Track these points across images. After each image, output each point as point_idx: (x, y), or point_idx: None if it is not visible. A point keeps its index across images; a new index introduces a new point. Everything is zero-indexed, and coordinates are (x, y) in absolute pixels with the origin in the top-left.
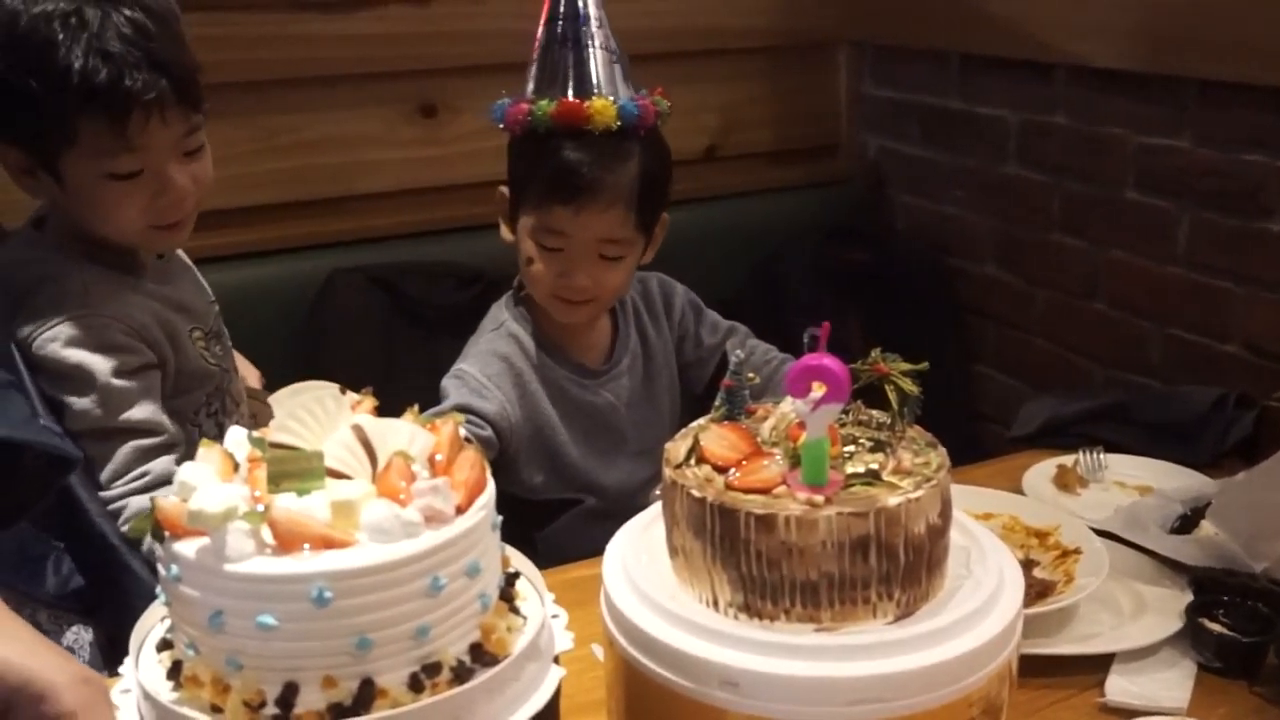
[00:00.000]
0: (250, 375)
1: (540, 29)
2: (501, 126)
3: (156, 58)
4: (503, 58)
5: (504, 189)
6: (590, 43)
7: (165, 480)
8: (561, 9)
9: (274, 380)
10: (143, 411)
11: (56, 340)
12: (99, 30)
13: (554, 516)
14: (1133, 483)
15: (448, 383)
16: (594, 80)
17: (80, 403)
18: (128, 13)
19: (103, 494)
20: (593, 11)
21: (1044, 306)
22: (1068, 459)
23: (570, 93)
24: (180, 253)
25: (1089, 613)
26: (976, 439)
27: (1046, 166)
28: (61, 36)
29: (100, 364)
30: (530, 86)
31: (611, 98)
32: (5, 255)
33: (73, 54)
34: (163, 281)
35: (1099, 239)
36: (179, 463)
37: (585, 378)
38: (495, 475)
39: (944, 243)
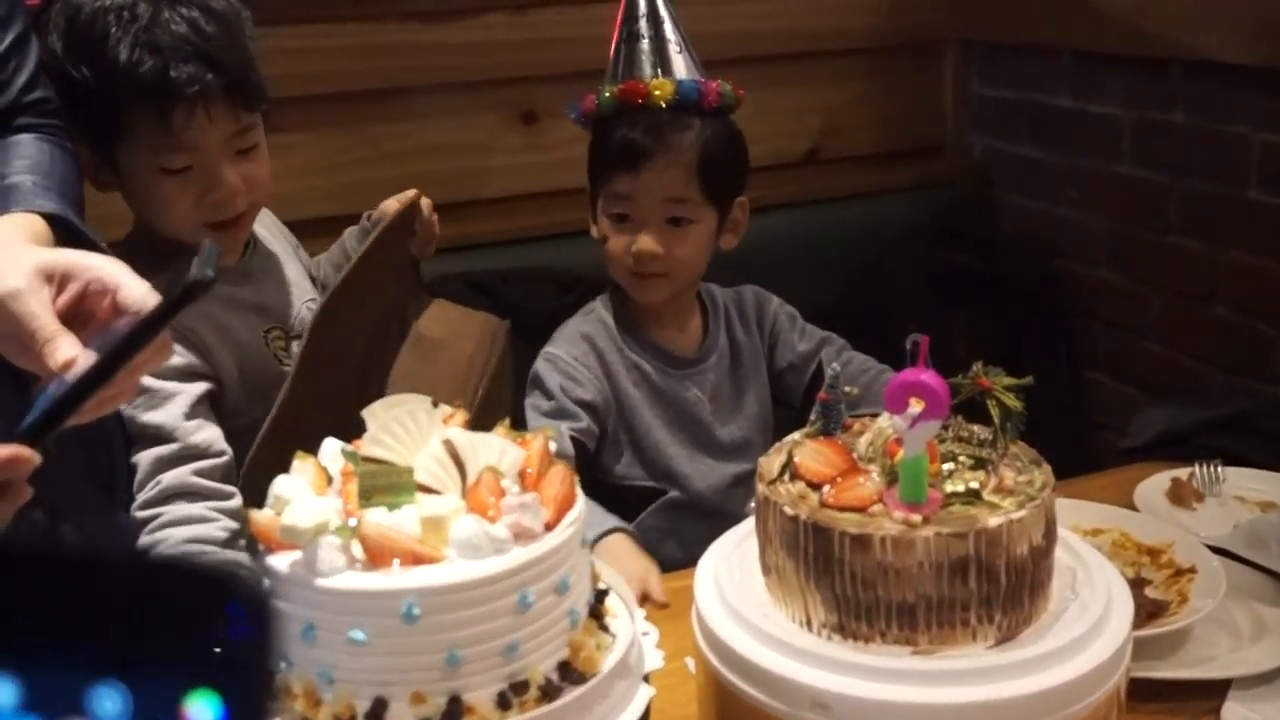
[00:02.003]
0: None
1: (616, 30)
2: (577, 121)
3: (205, 53)
4: (600, 64)
5: (589, 186)
6: (661, 35)
7: (177, 492)
8: (638, 9)
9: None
10: (164, 416)
11: None
12: (148, 24)
13: (639, 507)
14: (1254, 497)
15: (540, 365)
16: (668, 68)
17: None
18: (184, 10)
19: (135, 505)
20: (661, 9)
21: (1160, 311)
22: (1183, 471)
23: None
24: (275, 247)
25: (1205, 635)
26: (1087, 448)
27: (1163, 166)
28: (114, 29)
29: None
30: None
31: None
32: None
33: (121, 45)
34: (237, 283)
35: (1219, 240)
36: (219, 476)
37: (671, 367)
38: None
39: (1054, 245)
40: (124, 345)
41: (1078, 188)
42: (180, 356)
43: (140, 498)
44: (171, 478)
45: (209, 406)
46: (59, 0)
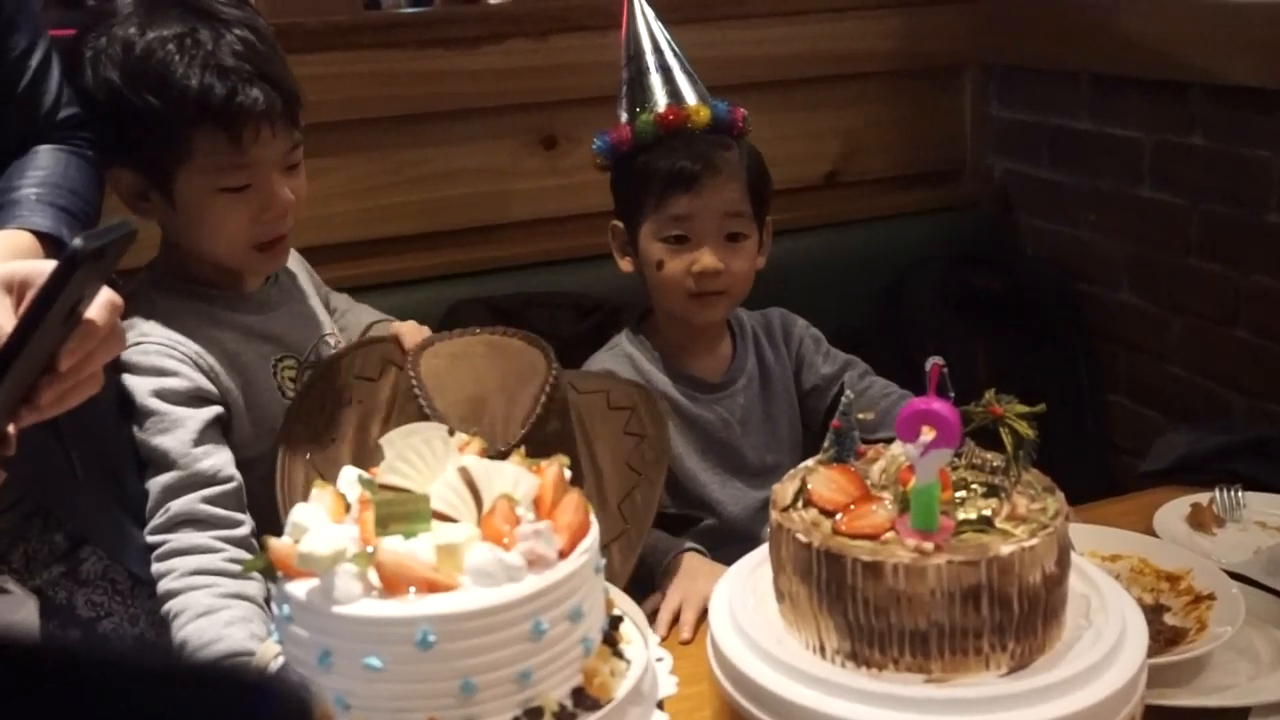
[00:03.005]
0: (406, 333)
1: (623, 69)
2: (600, 161)
3: (266, 73)
4: (618, 89)
5: (616, 222)
6: (671, 65)
7: (185, 520)
8: (643, 45)
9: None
10: (172, 441)
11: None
12: (213, 48)
13: (675, 534)
14: (1275, 523)
15: None
16: (679, 97)
17: (132, 426)
18: (238, 32)
19: (146, 530)
20: (662, 41)
21: (1181, 334)
22: (1203, 496)
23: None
24: (299, 280)
25: (1224, 662)
26: (1108, 471)
27: (1183, 188)
28: (178, 56)
29: (139, 384)
30: (624, 117)
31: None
32: None
33: (190, 71)
34: (256, 311)
35: (1240, 263)
36: (229, 503)
37: (700, 392)
38: None
39: (1075, 267)
40: (25, 318)
41: (1098, 210)
42: (187, 380)
43: (150, 524)
44: (179, 505)
45: (219, 431)
46: (98, 33)
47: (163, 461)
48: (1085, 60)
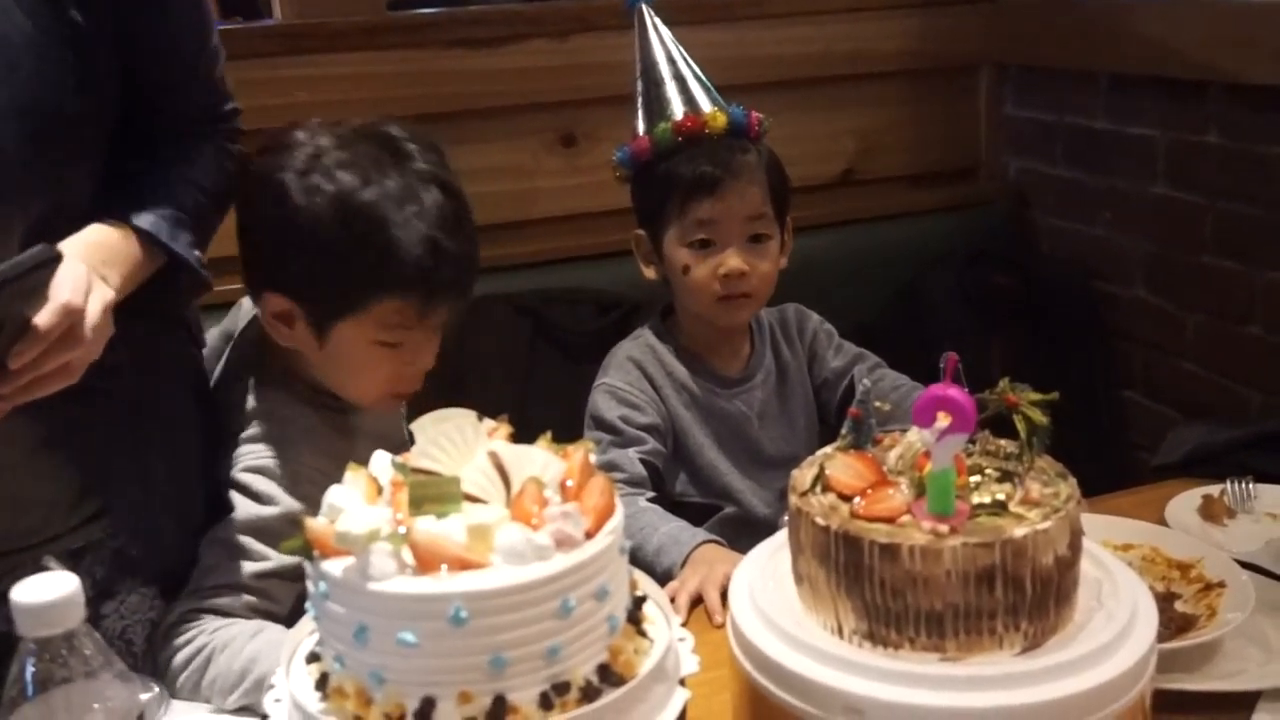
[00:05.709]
0: None
1: (637, 80)
2: (620, 172)
3: (465, 252)
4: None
5: (639, 231)
6: (685, 74)
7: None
8: (655, 56)
9: (422, 405)
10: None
11: (245, 467)
12: (432, 217)
13: (696, 523)
14: None
15: (597, 398)
16: (695, 105)
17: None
18: (444, 198)
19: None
20: (674, 51)
21: (1196, 331)
22: (1215, 488)
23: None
24: None
25: (1234, 649)
26: (1124, 466)
27: (1198, 187)
28: (397, 218)
29: (272, 490)
30: (642, 128)
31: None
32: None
33: (406, 239)
34: (378, 416)
35: (1255, 261)
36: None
37: (719, 386)
38: None
39: (1090, 265)
40: None
41: (1113, 209)
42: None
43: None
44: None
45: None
46: (303, 168)
47: (255, 555)
48: (1101, 59)
